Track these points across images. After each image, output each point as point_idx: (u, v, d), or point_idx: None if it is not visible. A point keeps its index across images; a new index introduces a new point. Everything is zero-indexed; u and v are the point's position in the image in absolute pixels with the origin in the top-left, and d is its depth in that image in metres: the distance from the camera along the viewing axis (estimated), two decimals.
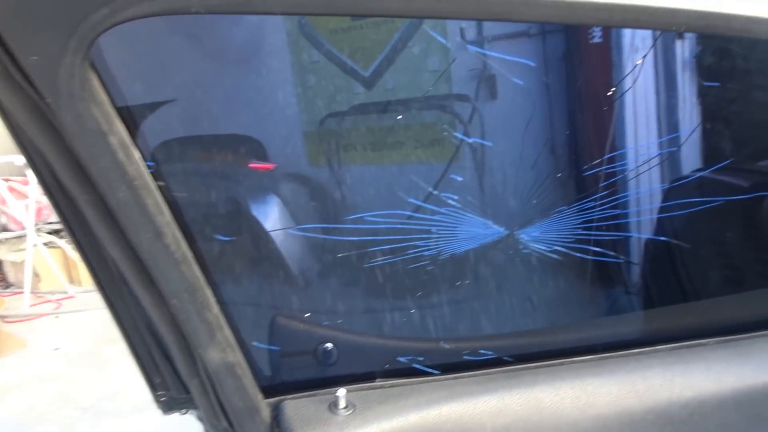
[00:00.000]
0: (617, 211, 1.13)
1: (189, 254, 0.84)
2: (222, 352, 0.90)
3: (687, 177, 1.38)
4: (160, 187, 0.79)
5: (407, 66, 1.16)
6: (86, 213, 0.80)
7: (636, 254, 1.18)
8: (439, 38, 1.14)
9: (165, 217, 0.80)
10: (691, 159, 1.45)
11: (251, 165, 1.07)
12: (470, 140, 1.16)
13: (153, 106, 0.86)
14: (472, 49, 1.16)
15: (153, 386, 1.03)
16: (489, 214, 1.02)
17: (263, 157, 1.08)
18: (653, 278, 1.20)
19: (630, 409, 1.08)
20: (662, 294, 1.23)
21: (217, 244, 0.94)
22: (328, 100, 1.15)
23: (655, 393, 1.09)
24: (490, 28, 1.10)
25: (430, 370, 1.08)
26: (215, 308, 0.89)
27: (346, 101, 1.15)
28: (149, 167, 0.78)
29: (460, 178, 1.10)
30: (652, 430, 1.08)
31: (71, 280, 6.10)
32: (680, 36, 1.56)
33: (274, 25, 1.15)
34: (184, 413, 1.06)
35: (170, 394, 1.03)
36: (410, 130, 1.15)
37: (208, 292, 0.87)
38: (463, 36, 1.12)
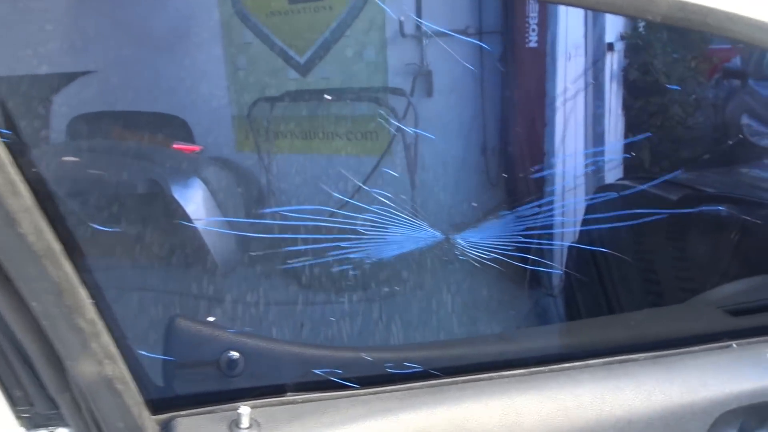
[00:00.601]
0: (555, 220, 1.06)
1: (56, 247, 0.68)
2: (97, 364, 0.75)
3: (623, 189, 1.34)
4: (17, 162, 0.63)
5: (345, 55, 1.10)
6: None
7: (571, 265, 1.13)
8: (383, 25, 1.06)
9: (22, 199, 0.63)
10: (630, 171, 1.44)
11: (177, 146, 0.93)
12: (410, 132, 1.06)
13: (14, 55, 0.69)
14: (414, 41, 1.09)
15: (12, 401, 0.85)
16: (423, 217, 0.92)
17: (172, 134, 0.95)
18: (588, 290, 1.15)
19: (559, 428, 1.01)
20: (596, 306, 1.18)
21: (97, 234, 0.78)
22: (261, 84, 1.07)
23: (585, 411, 1.03)
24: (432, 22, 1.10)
25: (348, 383, 0.97)
26: (90, 312, 0.73)
27: (279, 87, 1.09)
28: (2, 135, 0.61)
29: (394, 177, 1.01)
30: None
31: None
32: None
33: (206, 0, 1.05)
34: (53, 431, 0.90)
35: (34, 410, 0.86)
36: (344, 121, 1.09)
37: (81, 293, 0.72)
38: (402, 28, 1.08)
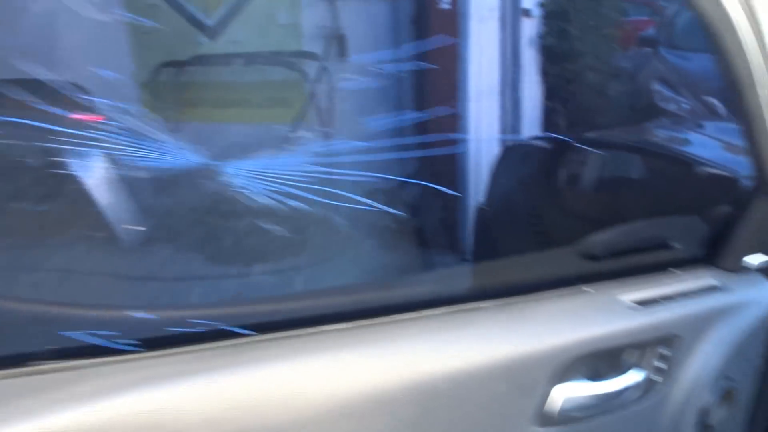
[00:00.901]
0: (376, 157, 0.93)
1: None
2: None
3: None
4: None
5: (256, 17, 0.99)
6: None
7: (400, 204, 1.00)
8: None
9: None
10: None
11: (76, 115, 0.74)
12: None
13: None
14: None
15: None
16: (181, 135, 0.75)
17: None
18: (422, 233, 1.02)
19: (389, 383, 0.88)
20: (433, 251, 1.05)
21: None
22: (166, 49, 0.94)
23: (419, 365, 0.90)
24: None
25: (119, 346, 0.78)
26: None
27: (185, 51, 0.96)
28: None
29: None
30: (412, 407, 0.89)
31: None
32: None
33: None
34: None
35: None
36: (255, 88, 0.95)
37: None
38: None
